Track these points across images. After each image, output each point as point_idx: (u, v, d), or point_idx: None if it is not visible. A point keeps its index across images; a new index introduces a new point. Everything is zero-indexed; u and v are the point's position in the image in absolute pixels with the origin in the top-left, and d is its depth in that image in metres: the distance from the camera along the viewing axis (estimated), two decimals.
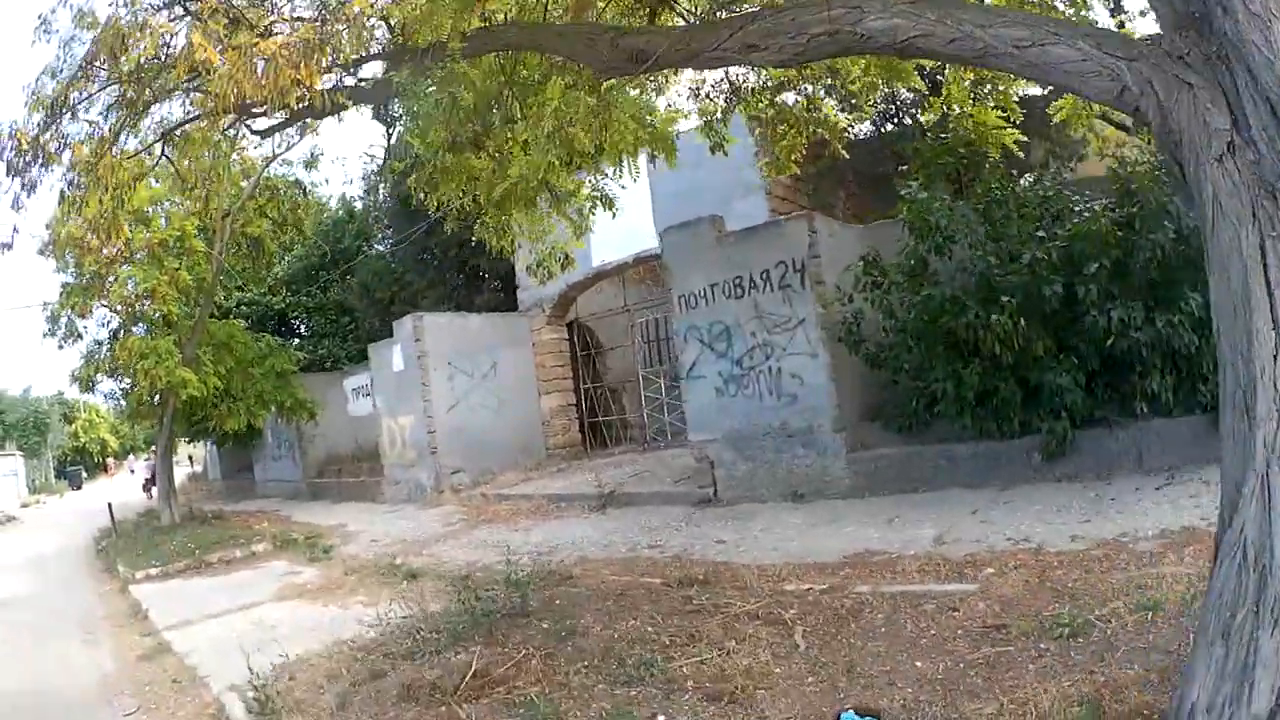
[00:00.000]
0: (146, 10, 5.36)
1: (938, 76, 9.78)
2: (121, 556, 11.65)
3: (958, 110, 8.55)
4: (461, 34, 5.16)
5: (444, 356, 13.60)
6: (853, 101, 9.72)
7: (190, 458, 34.95)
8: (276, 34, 4.87)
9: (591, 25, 5.94)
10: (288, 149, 12.46)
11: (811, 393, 8.78)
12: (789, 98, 8.89)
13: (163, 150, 6.76)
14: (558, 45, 5.68)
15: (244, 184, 12.79)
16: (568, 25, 5.97)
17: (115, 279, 12.03)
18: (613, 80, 6.11)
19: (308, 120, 6.88)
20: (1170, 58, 2.94)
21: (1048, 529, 6.02)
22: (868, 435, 8.67)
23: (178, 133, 6.52)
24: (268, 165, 13.21)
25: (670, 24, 6.66)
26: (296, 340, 21.51)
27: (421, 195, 8.07)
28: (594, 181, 8.38)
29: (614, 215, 8.51)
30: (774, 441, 9.06)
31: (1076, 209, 7.35)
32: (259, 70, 4.31)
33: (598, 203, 8.27)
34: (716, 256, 9.51)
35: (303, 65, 4.30)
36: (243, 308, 20.40)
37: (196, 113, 6.00)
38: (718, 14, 6.13)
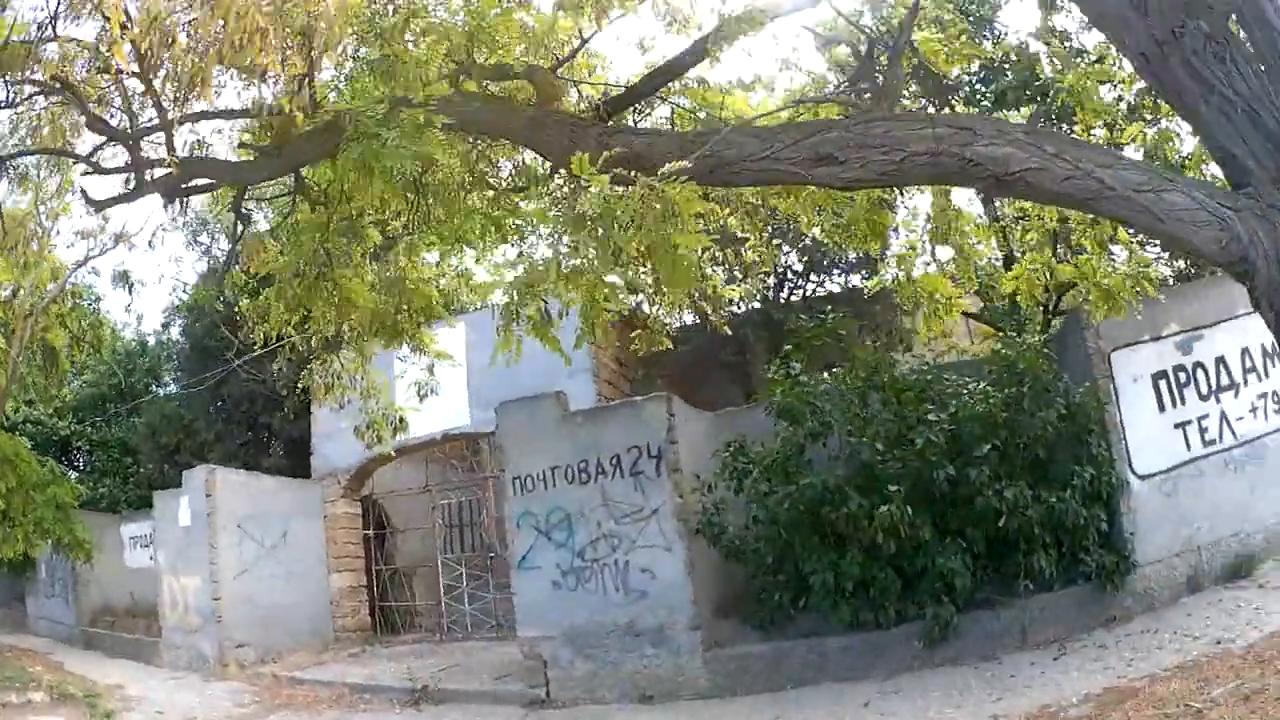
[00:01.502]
0: None
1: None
2: None
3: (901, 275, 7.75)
4: (427, 99, 4.45)
5: (235, 517, 12.14)
6: (740, 273, 9.46)
7: None
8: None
9: (573, 117, 5.26)
10: (101, 253, 11.35)
11: (665, 588, 8.17)
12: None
13: None
14: (531, 134, 5.06)
15: (50, 286, 11.38)
16: (546, 112, 5.20)
17: None
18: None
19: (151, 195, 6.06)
20: (1275, 210, 2.95)
21: (960, 712, 5.89)
22: (724, 632, 8.15)
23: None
24: (78, 268, 11.93)
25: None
26: (74, 473, 19.44)
27: (251, 322, 7.34)
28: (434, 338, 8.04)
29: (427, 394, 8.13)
30: (619, 640, 8.29)
31: (963, 391, 7.43)
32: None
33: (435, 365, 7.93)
34: (560, 437, 8.92)
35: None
36: (27, 425, 18.19)
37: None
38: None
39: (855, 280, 13.62)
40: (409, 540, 14.89)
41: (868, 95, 4.85)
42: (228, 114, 5.67)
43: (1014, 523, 6.79)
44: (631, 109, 6.35)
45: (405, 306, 6.21)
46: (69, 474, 17.32)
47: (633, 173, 3.91)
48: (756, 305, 13.15)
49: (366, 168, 4.18)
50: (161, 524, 12.91)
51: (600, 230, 3.73)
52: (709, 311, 8.00)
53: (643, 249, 3.80)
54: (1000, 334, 10.59)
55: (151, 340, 21.43)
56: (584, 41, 6.19)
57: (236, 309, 15.22)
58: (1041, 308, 11.04)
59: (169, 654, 12.49)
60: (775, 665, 7.68)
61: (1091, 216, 5.97)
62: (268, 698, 10.24)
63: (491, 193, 6.57)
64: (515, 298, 4.42)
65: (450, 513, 14.18)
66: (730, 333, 8.92)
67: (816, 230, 7.70)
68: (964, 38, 6.53)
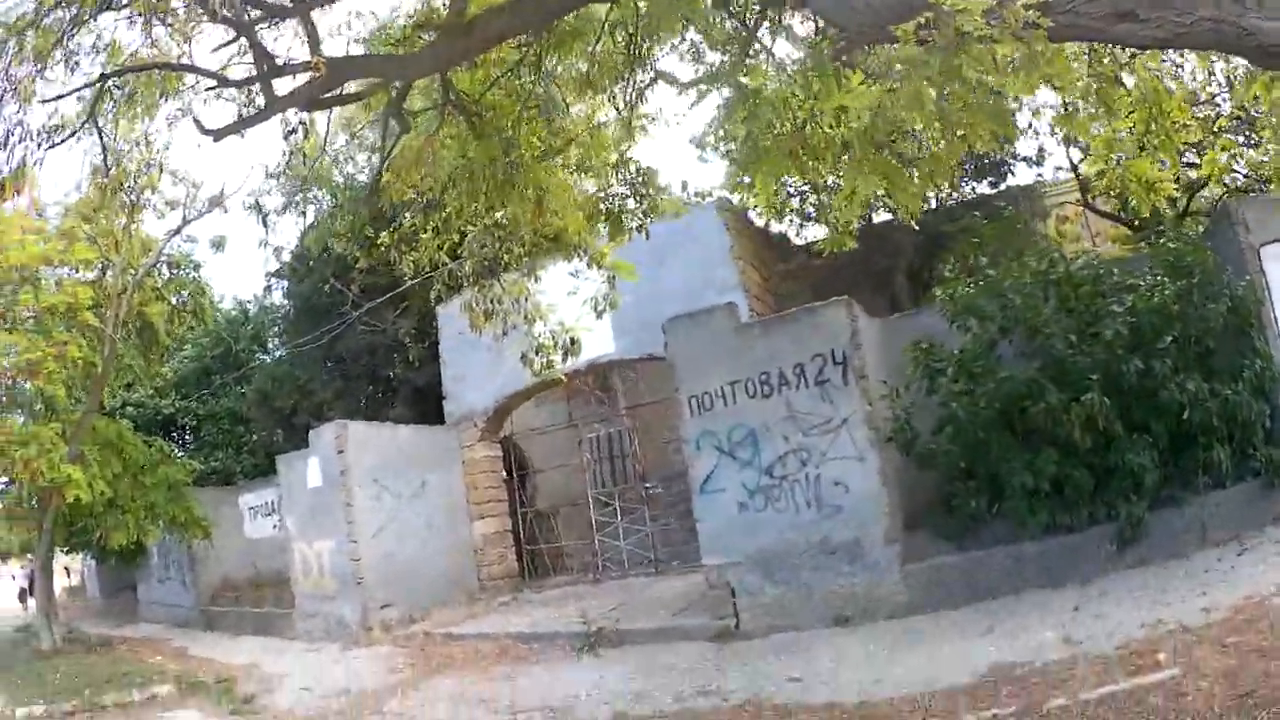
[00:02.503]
0: None
1: None
2: None
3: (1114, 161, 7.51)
4: None
5: (370, 472, 11.71)
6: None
7: (67, 569, 30.73)
8: None
9: None
10: (198, 216, 10.90)
11: (859, 501, 7.79)
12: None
13: (90, 116, 5.16)
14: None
15: (144, 260, 10.99)
16: None
17: None
18: None
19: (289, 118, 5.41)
20: None
21: (1169, 610, 5.76)
22: (915, 544, 7.83)
23: (114, 87, 5.01)
24: (173, 235, 11.49)
25: None
26: (181, 451, 19.18)
27: (394, 256, 7.13)
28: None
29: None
30: (812, 560, 7.93)
31: (1138, 284, 7.23)
32: None
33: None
34: (737, 350, 8.48)
35: None
36: (128, 408, 18.07)
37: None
38: None
39: (983, 187, 13.60)
40: (549, 480, 14.50)
41: None
42: None
43: (1196, 415, 6.74)
44: None
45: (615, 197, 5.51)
46: (177, 452, 17.11)
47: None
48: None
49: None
50: (288, 488, 12.57)
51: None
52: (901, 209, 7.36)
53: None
54: (1136, 231, 10.90)
55: (253, 308, 21.37)
56: None
57: (353, 258, 14.91)
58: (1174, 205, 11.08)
59: (303, 624, 12.17)
60: (971, 576, 7.38)
61: None
62: (423, 660, 9.62)
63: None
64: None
65: (598, 446, 13.63)
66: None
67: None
68: None
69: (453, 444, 13.21)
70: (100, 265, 11.06)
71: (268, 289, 19.28)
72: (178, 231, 11.62)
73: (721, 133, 9.66)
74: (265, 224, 11.20)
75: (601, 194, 6.62)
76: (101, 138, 5.83)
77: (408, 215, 7.01)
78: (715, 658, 7.58)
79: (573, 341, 7.51)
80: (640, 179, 7.00)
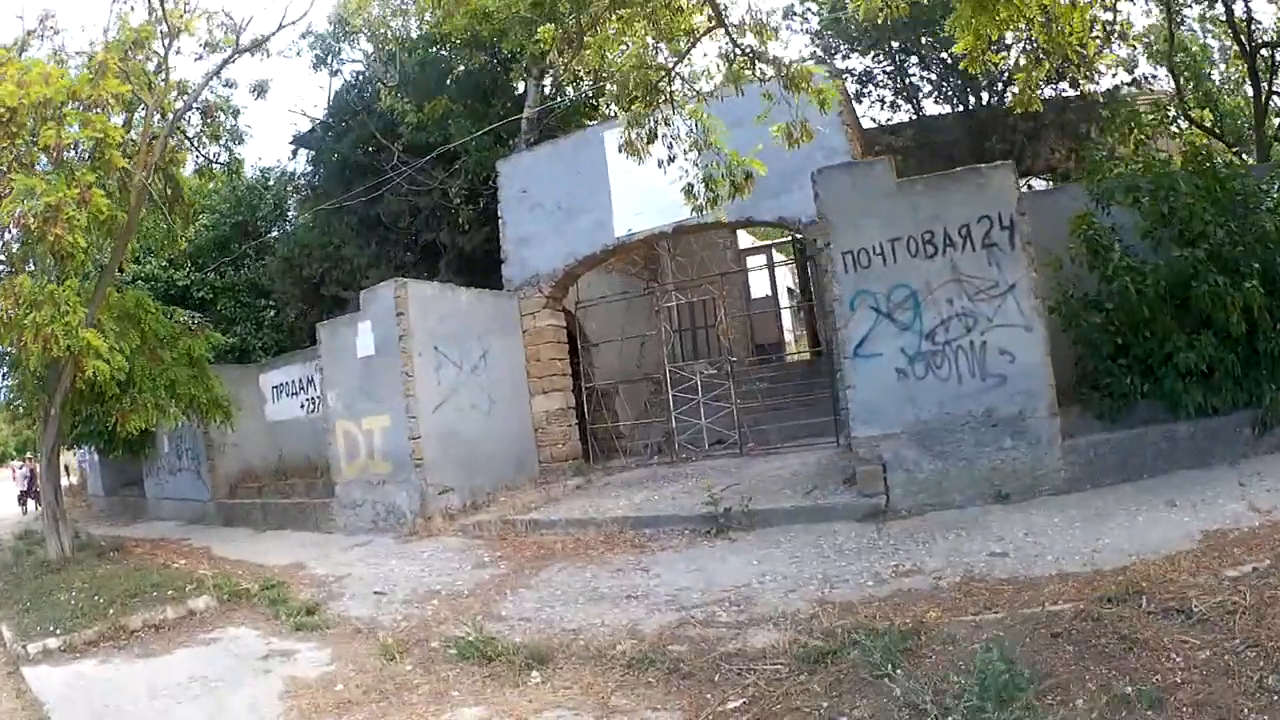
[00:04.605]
0: None
1: None
2: (2, 610, 8.09)
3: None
4: None
5: (430, 339, 10.70)
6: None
7: (66, 467, 29.55)
8: None
9: None
10: (238, 55, 9.47)
11: (1024, 372, 7.61)
12: None
13: None
14: None
15: (178, 103, 9.61)
16: None
17: (8, 191, 8.08)
18: None
19: None
20: None
21: None
22: (1067, 421, 7.71)
23: None
24: (210, 79, 10.06)
25: None
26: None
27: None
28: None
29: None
30: (974, 433, 7.71)
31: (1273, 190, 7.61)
32: None
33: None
34: (896, 206, 8.04)
35: None
36: (138, 283, 16.25)
37: None
38: None
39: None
40: (604, 355, 13.62)
41: None
42: None
43: None
44: None
45: None
46: (201, 321, 15.61)
47: None
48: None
49: None
50: (331, 359, 11.45)
51: None
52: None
53: None
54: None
55: (275, 175, 20.01)
56: None
57: (401, 113, 13.61)
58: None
59: (345, 516, 11.22)
60: (1126, 455, 7.41)
61: None
62: (512, 552, 8.65)
63: None
64: None
65: (677, 316, 12.74)
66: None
67: None
68: None
69: (513, 312, 12.29)
70: (129, 107, 9.65)
71: (294, 153, 18.04)
72: (217, 73, 10.13)
73: None
74: (325, 58, 9.80)
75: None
76: None
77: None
78: (882, 537, 7.16)
79: (747, 176, 6.51)
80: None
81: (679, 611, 5.91)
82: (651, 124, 6.40)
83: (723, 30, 6.44)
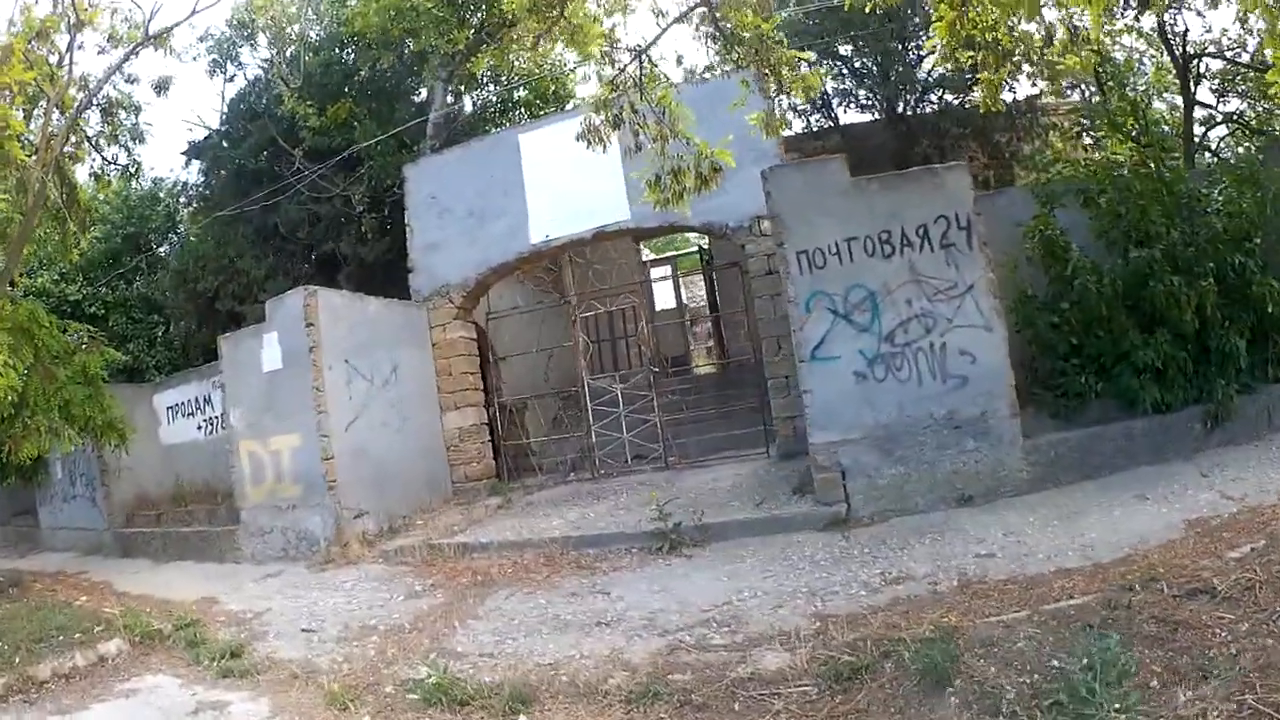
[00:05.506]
0: None
1: None
2: None
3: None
4: None
5: (341, 352, 9.81)
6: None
7: None
8: None
9: None
10: (141, 46, 8.56)
11: (985, 373, 7.54)
12: None
13: None
14: None
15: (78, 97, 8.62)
16: None
17: None
18: None
19: None
20: None
21: None
22: (1025, 422, 7.69)
23: None
24: (112, 73, 9.05)
25: None
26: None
27: None
28: None
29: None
30: (936, 436, 7.56)
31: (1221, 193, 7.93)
32: None
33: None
34: (852, 205, 7.88)
35: None
36: (29, 298, 14.41)
37: None
38: None
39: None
40: (513, 369, 12.93)
41: None
42: None
43: (1278, 311, 7.33)
44: None
45: None
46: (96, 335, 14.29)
47: None
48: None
49: None
50: (235, 374, 10.42)
51: None
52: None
53: None
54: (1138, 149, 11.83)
55: (166, 185, 18.76)
56: None
57: (303, 117, 12.74)
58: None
59: (252, 544, 10.20)
60: (1085, 453, 7.48)
61: None
62: (445, 579, 7.92)
63: None
64: None
65: (596, 327, 12.20)
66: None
67: None
68: None
69: (422, 323, 11.50)
70: (31, 100, 8.53)
71: (188, 163, 16.85)
72: (120, 66, 9.24)
73: None
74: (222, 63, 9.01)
75: None
76: None
77: None
78: (852, 545, 6.87)
79: (714, 169, 6.14)
80: None
81: (663, 636, 5.41)
82: (617, 109, 5.97)
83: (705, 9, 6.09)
